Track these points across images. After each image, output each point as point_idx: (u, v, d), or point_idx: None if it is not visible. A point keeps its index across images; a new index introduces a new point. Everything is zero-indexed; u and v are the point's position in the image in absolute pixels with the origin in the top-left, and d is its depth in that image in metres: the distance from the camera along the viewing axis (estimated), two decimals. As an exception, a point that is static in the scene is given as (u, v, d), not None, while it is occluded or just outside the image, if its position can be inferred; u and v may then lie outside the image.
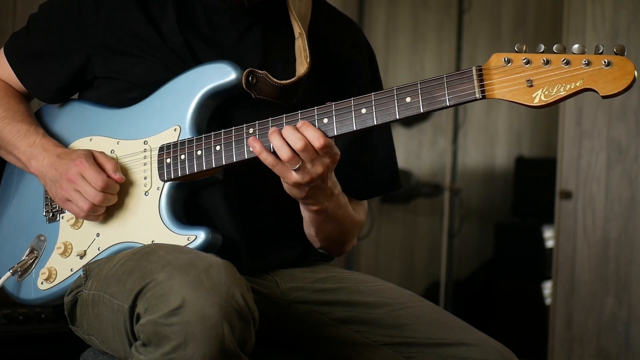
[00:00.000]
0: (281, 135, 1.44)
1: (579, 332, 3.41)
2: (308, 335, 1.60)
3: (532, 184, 4.58)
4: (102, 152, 1.61)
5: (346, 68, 1.72)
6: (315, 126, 1.44)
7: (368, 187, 1.75)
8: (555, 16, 4.41)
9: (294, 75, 1.57)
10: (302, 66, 1.59)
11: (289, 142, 1.43)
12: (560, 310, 3.45)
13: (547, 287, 4.18)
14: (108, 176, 1.56)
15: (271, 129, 1.46)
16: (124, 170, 1.61)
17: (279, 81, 1.55)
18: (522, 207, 4.64)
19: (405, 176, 4.46)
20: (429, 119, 4.63)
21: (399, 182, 1.79)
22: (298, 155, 1.43)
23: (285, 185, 1.50)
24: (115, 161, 1.60)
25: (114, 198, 1.58)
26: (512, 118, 4.94)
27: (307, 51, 1.59)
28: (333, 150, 1.45)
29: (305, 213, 1.61)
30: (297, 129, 1.43)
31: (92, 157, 1.58)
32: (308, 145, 1.42)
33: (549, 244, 4.26)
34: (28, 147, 1.64)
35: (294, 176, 1.45)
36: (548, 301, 4.04)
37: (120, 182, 1.58)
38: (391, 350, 1.54)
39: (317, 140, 1.42)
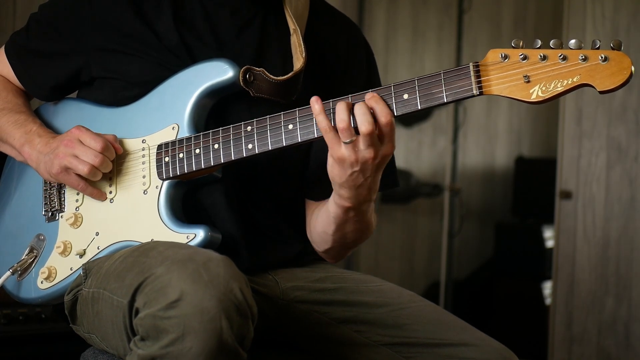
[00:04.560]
0: (348, 110, 1.40)
1: (579, 332, 3.41)
2: (308, 335, 1.60)
3: (532, 184, 4.57)
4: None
5: (344, 66, 1.72)
6: (385, 102, 1.39)
7: None
8: (555, 16, 4.41)
9: (292, 72, 1.57)
10: (298, 62, 1.59)
11: (357, 119, 1.38)
12: (560, 310, 3.45)
13: (547, 287, 4.18)
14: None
15: (340, 103, 1.41)
16: (122, 169, 1.61)
17: (276, 77, 1.55)
18: (522, 207, 4.63)
19: (405, 176, 4.46)
20: (429, 119, 4.63)
21: (396, 180, 1.78)
22: (355, 132, 1.40)
23: (329, 162, 1.45)
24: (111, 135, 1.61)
25: (109, 165, 1.58)
26: (512, 118, 4.94)
27: (302, 46, 1.58)
28: (393, 139, 1.42)
29: (332, 207, 1.56)
30: (370, 109, 1.39)
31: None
32: (373, 132, 1.38)
33: (549, 244, 4.25)
34: (24, 134, 1.66)
35: (342, 150, 1.41)
36: (548, 301, 4.04)
37: (118, 153, 1.59)
38: (391, 350, 1.54)
39: (384, 117, 1.38)
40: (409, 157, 4.66)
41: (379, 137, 1.40)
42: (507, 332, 3.63)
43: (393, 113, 1.40)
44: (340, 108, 1.40)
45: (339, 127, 1.39)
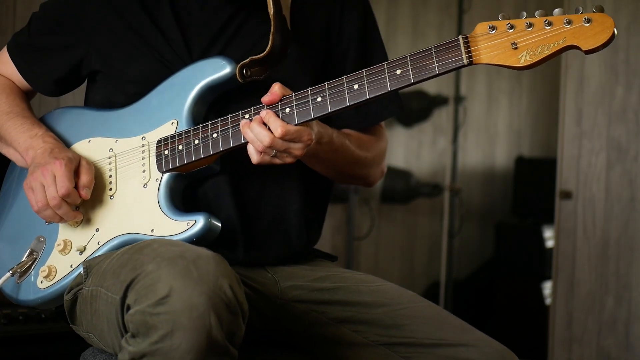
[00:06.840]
0: (252, 130, 1.46)
1: (579, 332, 3.41)
2: (306, 334, 1.60)
3: (532, 184, 4.58)
4: (90, 166, 1.61)
5: (337, 30, 1.71)
6: (278, 116, 1.46)
7: (368, 115, 1.73)
8: (555, 16, 4.41)
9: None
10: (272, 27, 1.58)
11: (257, 138, 1.45)
12: (560, 310, 3.45)
13: (547, 287, 4.18)
14: (76, 187, 1.57)
15: (242, 122, 1.48)
16: (122, 166, 1.62)
17: (259, 55, 1.55)
18: (522, 207, 4.64)
19: (405, 176, 4.46)
20: (429, 119, 4.63)
21: (400, 106, 1.76)
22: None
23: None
24: (92, 179, 1.60)
25: (70, 213, 1.58)
26: (512, 118, 4.94)
27: (272, 8, 1.57)
28: (301, 137, 1.46)
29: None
30: (263, 125, 1.45)
31: (77, 164, 1.59)
32: (275, 140, 1.44)
33: (549, 244, 4.26)
34: (29, 139, 1.66)
35: (277, 161, 1.48)
36: (548, 301, 4.04)
37: (84, 199, 1.58)
38: (389, 350, 1.54)
39: (276, 131, 1.44)
40: (409, 157, 4.66)
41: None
42: (507, 332, 3.63)
43: (287, 124, 1.45)
44: (249, 135, 1.46)
45: (259, 150, 1.46)
